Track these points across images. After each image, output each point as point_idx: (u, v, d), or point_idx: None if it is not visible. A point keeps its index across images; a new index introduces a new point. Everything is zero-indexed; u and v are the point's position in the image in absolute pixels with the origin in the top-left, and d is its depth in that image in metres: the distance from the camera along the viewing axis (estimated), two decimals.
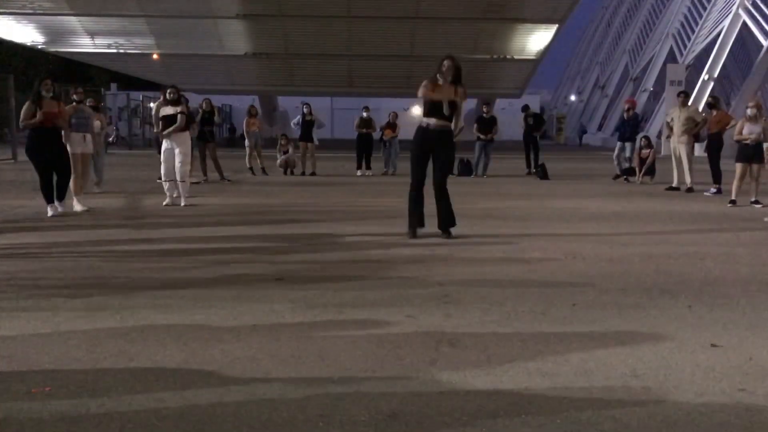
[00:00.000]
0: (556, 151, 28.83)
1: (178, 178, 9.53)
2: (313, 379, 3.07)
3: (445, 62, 6.70)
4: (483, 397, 2.87)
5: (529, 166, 16.47)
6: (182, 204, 9.47)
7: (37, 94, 8.17)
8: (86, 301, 4.37)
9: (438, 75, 6.70)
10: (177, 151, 9.49)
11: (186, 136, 9.72)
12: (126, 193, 11.32)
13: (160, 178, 11.03)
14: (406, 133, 16.97)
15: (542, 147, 17.73)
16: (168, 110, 9.71)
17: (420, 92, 6.75)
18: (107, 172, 12.28)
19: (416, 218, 6.89)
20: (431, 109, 6.69)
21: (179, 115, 9.56)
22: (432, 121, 6.71)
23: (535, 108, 22.11)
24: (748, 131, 9.99)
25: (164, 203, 9.51)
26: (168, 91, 10.03)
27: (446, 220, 6.85)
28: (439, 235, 6.81)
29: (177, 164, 9.49)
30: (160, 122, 9.77)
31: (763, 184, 10.53)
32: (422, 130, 6.78)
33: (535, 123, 16.94)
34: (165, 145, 9.59)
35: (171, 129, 9.48)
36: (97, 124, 11.28)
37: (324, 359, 3.32)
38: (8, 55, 35.20)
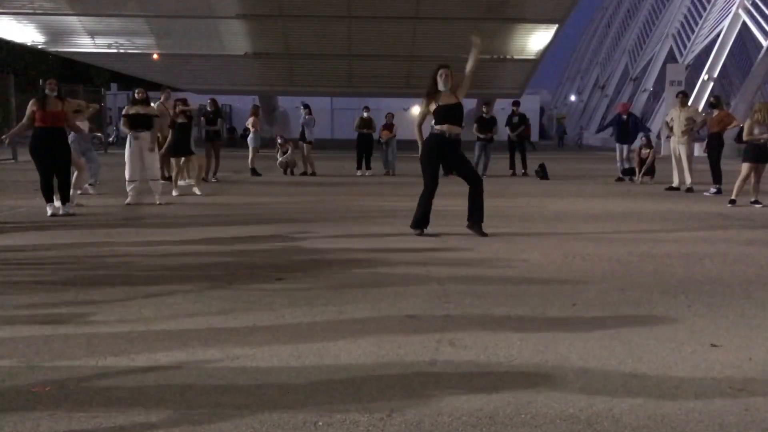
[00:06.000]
0: (551, 152, 28.81)
1: (149, 177, 9.72)
2: (313, 378, 3.07)
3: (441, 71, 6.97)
4: (483, 397, 2.87)
5: (524, 167, 16.11)
6: (158, 202, 9.63)
7: (41, 93, 8.25)
8: (86, 300, 4.37)
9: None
10: (145, 152, 9.64)
11: (149, 136, 9.73)
12: (125, 192, 11.29)
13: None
14: (405, 133, 17.00)
15: (530, 148, 17.57)
16: (137, 109, 9.75)
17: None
18: (106, 171, 12.26)
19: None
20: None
21: (154, 118, 9.78)
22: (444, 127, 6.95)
23: (535, 108, 21.83)
24: (758, 132, 9.99)
25: (126, 202, 9.62)
26: (136, 90, 10.08)
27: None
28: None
29: (147, 164, 9.65)
30: (127, 120, 9.79)
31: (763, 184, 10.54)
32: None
33: (518, 123, 16.10)
34: (131, 145, 9.66)
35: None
36: (84, 123, 11.27)
37: (324, 359, 3.32)
38: (9, 55, 35.20)
